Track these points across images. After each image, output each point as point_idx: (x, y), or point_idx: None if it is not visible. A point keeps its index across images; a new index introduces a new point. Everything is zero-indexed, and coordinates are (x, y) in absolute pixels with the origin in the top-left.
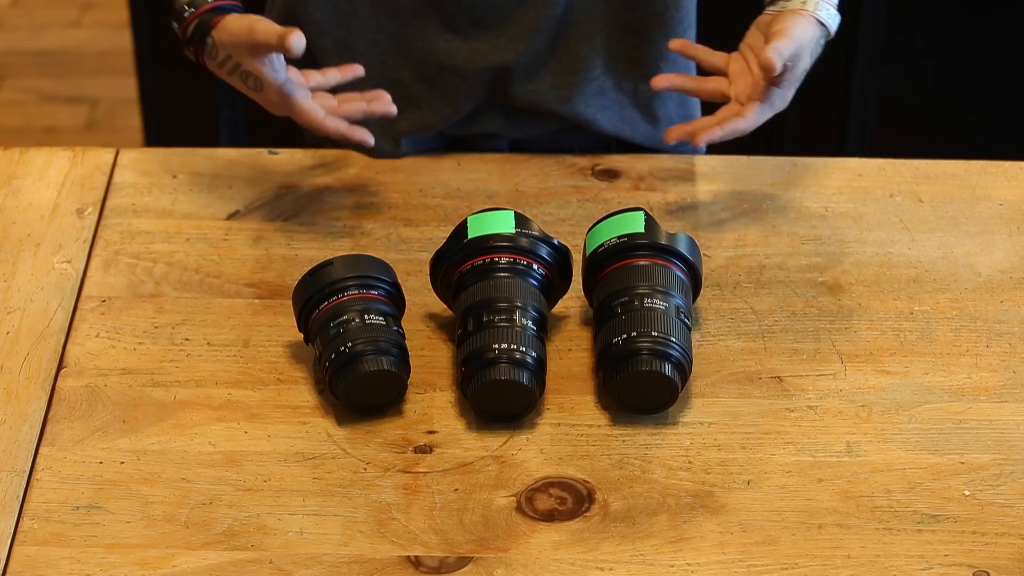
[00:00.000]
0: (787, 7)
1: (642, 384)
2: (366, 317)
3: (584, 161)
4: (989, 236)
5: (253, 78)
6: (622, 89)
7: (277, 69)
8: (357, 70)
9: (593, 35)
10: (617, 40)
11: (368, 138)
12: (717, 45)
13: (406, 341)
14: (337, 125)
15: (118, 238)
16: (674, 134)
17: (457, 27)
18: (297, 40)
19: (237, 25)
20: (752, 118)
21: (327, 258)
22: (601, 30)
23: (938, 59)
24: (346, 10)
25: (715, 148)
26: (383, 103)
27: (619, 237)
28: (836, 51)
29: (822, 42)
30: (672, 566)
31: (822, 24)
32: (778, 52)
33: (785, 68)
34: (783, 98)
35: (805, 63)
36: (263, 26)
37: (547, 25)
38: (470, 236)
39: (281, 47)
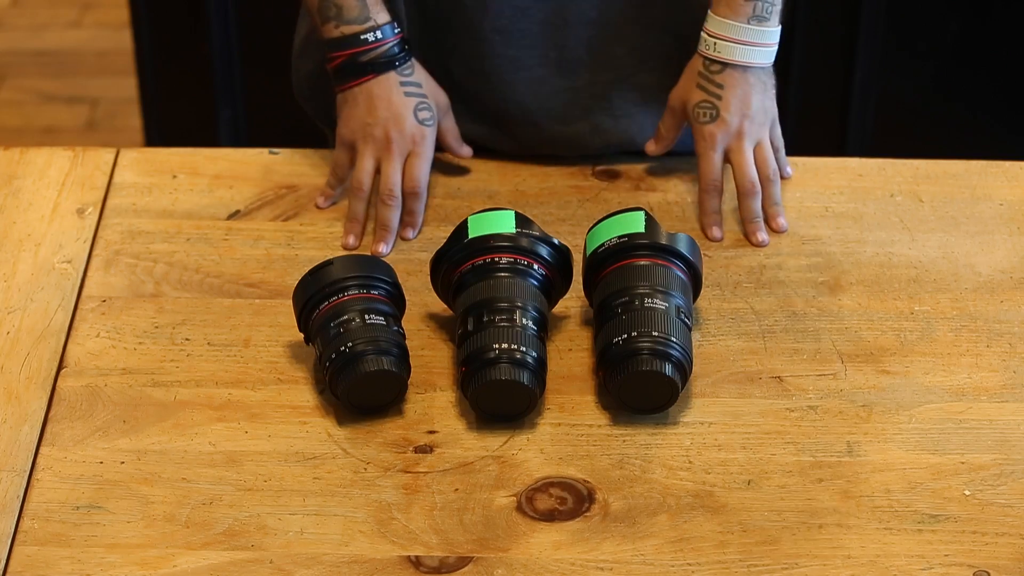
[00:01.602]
0: (694, 65)
1: (642, 384)
2: (366, 317)
3: (584, 161)
4: (989, 236)
5: (433, 117)
6: (662, 86)
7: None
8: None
9: (627, 33)
10: (656, 39)
11: (382, 251)
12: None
13: (406, 341)
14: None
15: (118, 238)
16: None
17: (484, 35)
18: (467, 154)
19: (440, 91)
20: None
21: (327, 258)
22: (636, 29)
23: (938, 59)
24: None
25: None
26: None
27: (619, 237)
28: (836, 51)
29: (761, 74)
30: (672, 566)
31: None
32: (653, 145)
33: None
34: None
35: (744, 98)
36: (453, 127)
37: (577, 26)
38: (470, 236)
39: (454, 149)
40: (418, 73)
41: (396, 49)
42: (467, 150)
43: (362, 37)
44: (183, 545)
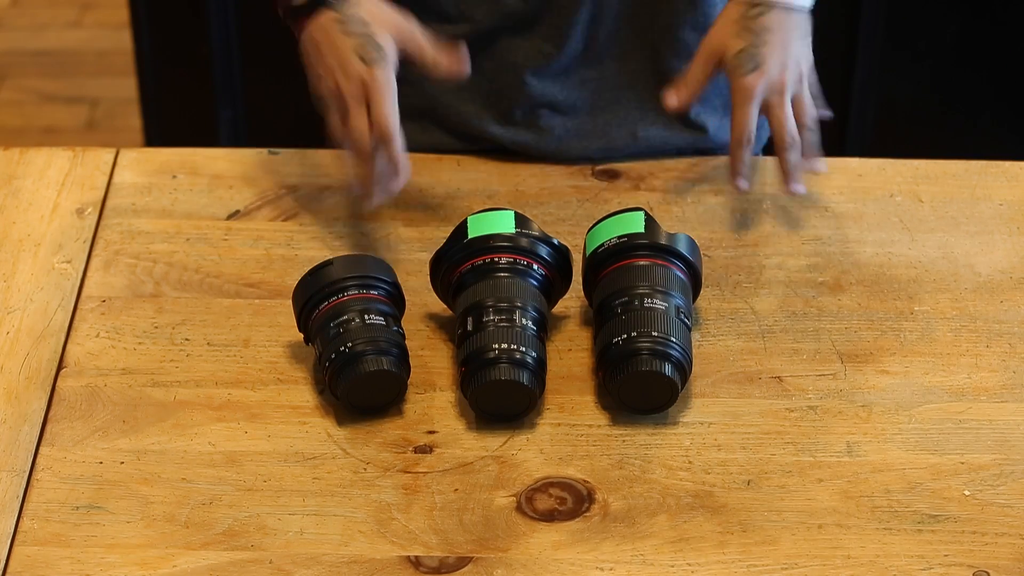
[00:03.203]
0: None
1: (642, 384)
2: (366, 317)
3: (584, 161)
4: (989, 236)
5: (382, 54)
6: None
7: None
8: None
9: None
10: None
11: (368, 203)
12: None
13: (406, 341)
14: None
15: (118, 238)
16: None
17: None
18: (464, 69)
19: (396, 16)
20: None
21: (327, 258)
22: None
23: (938, 60)
24: None
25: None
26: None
27: (619, 237)
28: (836, 51)
29: (802, 18)
30: (672, 566)
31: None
32: (674, 94)
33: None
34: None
35: (750, 44)
36: (421, 37)
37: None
38: (470, 236)
39: (440, 70)
40: (363, 5)
41: None
42: (458, 62)
43: None
44: (183, 545)
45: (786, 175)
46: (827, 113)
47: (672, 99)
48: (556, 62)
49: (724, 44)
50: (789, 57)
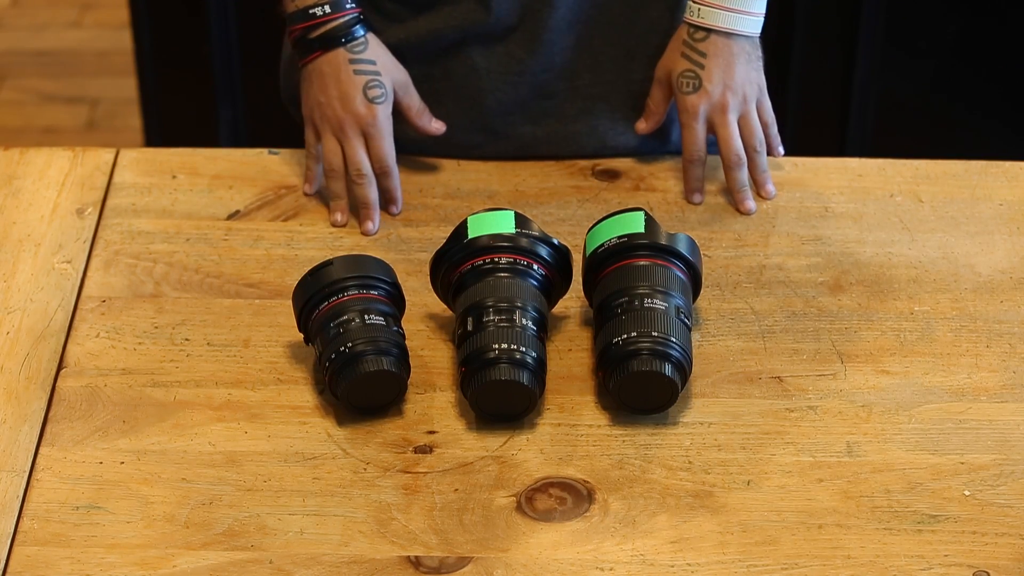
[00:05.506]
0: (680, 33)
1: (642, 384)
2: (366, 317)
3: (584, 161)
4: (989, 236)
5: (385, 94)
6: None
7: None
8: (439, 128)
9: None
10: (654, 42)
11: (369, 229)
12: None
13: (406, 341)
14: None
15: (118, 238)
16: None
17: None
18: (438, 130)
19: (398, 66)
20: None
21: (327, 258)
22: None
23: (938, 59)
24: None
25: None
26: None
27: (619, 237)
28: (836, 51)
29: (745, 43)
30: (672, 566)
31: (704, 28)
32: (643, 121)
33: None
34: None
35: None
36: (415, 92)
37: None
38: (470, 236)
39: (422, 126)
40: (372, 50)
41: (347, 25)
42: (437, 125)
43: (311, 11)
44: (183, 545)
45: (735, 193)
46: (779, 149)
47: (641, 125)
48: (528, 69)
49: (670, 67)
50: (732, 79)
